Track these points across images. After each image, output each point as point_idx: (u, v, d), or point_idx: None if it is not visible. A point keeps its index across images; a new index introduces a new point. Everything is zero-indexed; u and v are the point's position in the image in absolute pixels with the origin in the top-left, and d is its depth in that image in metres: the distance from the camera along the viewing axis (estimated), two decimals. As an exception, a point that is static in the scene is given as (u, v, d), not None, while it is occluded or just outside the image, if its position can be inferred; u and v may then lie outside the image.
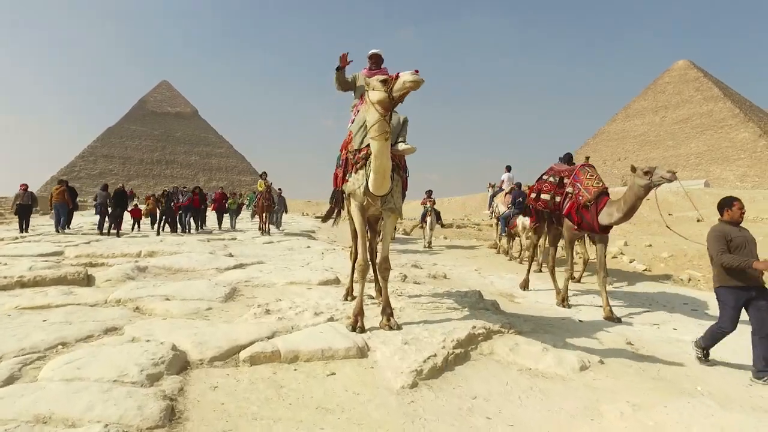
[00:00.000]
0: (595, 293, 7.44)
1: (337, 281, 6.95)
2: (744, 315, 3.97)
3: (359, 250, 4.62)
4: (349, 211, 5.14)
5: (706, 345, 4.15)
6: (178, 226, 16.13)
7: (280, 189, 18.09)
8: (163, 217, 15.65)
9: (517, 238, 12.23)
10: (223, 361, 3.50)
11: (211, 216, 21.21)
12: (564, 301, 6.46)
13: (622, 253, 11.82)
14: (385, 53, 5.61)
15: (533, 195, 7.12)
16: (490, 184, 15.22)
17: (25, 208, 14.11)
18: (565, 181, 6.47)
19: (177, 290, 5.66)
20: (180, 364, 3.34)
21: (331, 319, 4.52)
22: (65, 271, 6.34)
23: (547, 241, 11.16)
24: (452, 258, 12.26)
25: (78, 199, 17.72)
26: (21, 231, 13.72)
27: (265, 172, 17.12)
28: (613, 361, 4.03)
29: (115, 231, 14.11)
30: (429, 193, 14.83)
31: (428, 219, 13.92)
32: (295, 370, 3.43)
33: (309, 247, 12.04)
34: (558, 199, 6.52)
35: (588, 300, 6.99)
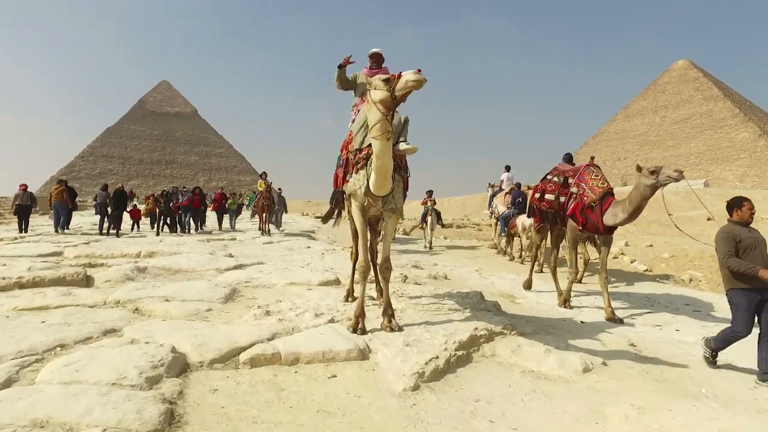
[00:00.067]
0: (596, 294, 7.42)
1: (337, 282, 6.92)
2: None
3: (360, 251, 4.59)
4: (349, 212, 5.10)
5: (716, 347, 4.05)
6: (177, 226, 16.10)
7: (279, 189, 18.06)
8: (162, 217, 15.62)
9: (516, 238, 12.21)
10: (223, 364, 3.47)
11: (210, 216, 21.18)
12: (566, 302, 6.41)
13: (622, 254, 11.80)
14: (385, 53, 5.59)
15: (537, 195, 7.03)
16: (489, 184, 15.21)
17: (24, 208, 14.09)
18: (570, 181, 6.37)
19: (176, 291, 5.63)
20: (179, 366, 3.31)
21: (331, 321, 4.49)
22: (64, 272, 6.31)
23: (548, 241, 11.19)
24: (453, 258, 12.23)
25: (78, 199, 17.69)
26: (20, 231, 13.69)
27: (265, 172, 17.10)
28: (616, 362, 4.00)
29: (114, 231, 14.07)
30: (430, 193, 14.79)
31: (428, 219, 13.88)
32: (296, 372, 3.40)
33: (309, 247, 12.01)
34: (562, 199, 6.43)
35: (589, 301, 6.96)
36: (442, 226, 14.85)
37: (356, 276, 5.19)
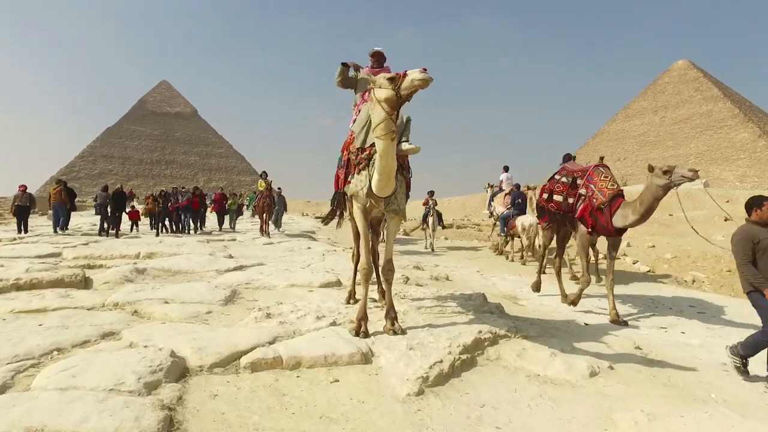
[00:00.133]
0: (599, 296, 7.36)
1: (338, 283, 6.85)
2: (753, 319, 3.86)
3: (362, 253, 4.52)
4: (351, 213, 5.03)
5: (746, 353, 3.80)
6: (175, 226, 16.04)
7: (279, 188, 17.94)
8: (161, 218, 15.56)
9: (516, 238, 12.15)
10: (224, 368, 3.40)
11: (211, 217, 21.11)
12: (573, 304, 6.21)
13: (625, 254, 11.73)
14: (385, 53, 5.52)
15: (545, 195, 6.87)
16: (488, 184, 15.13)
17: (23, 209, 14.03)
18: (579, 182, 6.22)
19: (176, 293, 5.56)
20: (179, 371, 3.24)
21: (333, 324, 4.42)
22: (62, 274, 6.24)
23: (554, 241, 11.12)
24: (454, 259, 12.17)
25: (77, 199, 17.63)
26: (19, 232, 13.63)
27: (265, 172, 16.98)
28: (623, 366, 3.93)
29: (113, 232, 14.01)
30: (431, 193, 14.73)
31: (429, 220, 13.81)
32: (298, 377, 3.33)
33: (309, 248, 11.94)
34: (571, 200, 6.29)
35: (593, 303, 6.90)
36: (443, 227, 14.78)
37: (358, 278, 5.12)
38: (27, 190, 14.47)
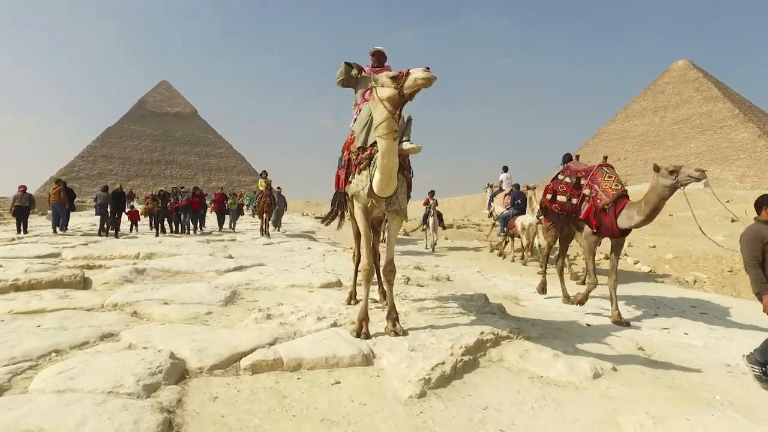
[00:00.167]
0: (600, 296, 7.32)
1: (339, 284, 6.82)
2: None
3: (363, 254, 4.48)
4: (352, 214, 5.00)
5: (764, 360, 3.65)
6: (175, 226, 16.00)
7: (279, 188, 17.87)
8: (160, 217, 15.53)
9: (517, 238, 12.13)
10: (224, 370, 3.36)
11: (211, 217, 21.07)
12: (580, 303, 6.04)
13: (626, 255, 11.70)
14: (386, 52, 5.49)
15: (548, 196, 6.77)
16: (488, 184, 15.10)
17: (22, 209, 14.02)
18: (582, 182, 6.15)
19: (176, 293, 5.53)
20: (178, 372, 3.20)
21: (334, 325, 4.39)
22: (61, 274, 6.20)
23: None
24: (454, 259, 12.14)
25: (77, 200, 17.60)
26: (18, 232, 13.61)
27: (265, 171, 16.90)
28: (626, 367, 3.89)
29: (113, 232, 13.98)
30: (432, 193, 14.70)
31: (430, 221, 13.77)
32: (299, 378, 3.30)
33: (310, 248, 11.91)
34: (574, 201, 6.21)
35: (595, 303, 6.86)
36: (443, 227, 14.74)
37: (359, 278, 5.09)
38: (27, 191, 14.44)
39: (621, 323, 5.58)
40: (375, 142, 4.39)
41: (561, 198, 6.44)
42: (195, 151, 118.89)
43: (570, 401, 3.23)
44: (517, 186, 12.80)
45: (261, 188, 16.19)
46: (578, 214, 6.17)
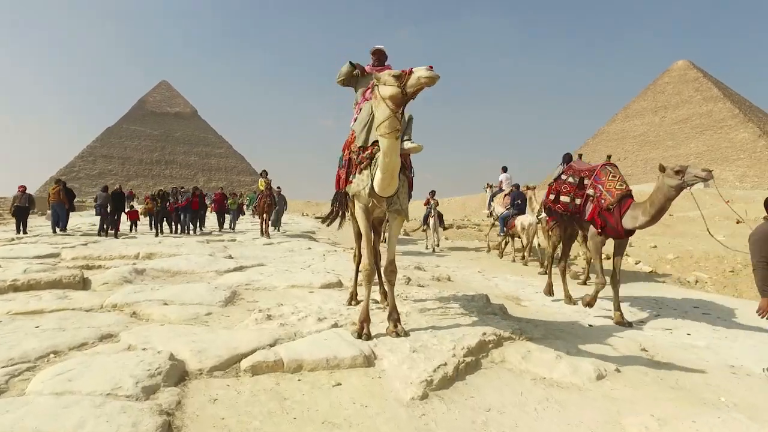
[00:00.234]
0: (602, 297, 7.29)
1: (339, 284, 6.79)
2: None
3: (364, 254, 4.45)
4: (352, 214, 4.97)
5: None
6: (177, 226, 15.97)
7: (279, 188, 17.81)
8: (160, 217, 15.50)
9: (517, 238, 12.11)
10: (224, 371, 3.33)
11: (210, 217, 21.04)
12: (588, 305, 5.90)
13: (627, 255, 11.67)
14: (387, 51, 5.46)
15: (551, 196, 6.65)
16: (488, 184, 15.08)
17: (22, 209, 14.00)
18: (586, 182, 6.07)
19: (175, 294, 5.49)
20: (178, 374, 3.17)
21: (335, 325, 4.36)
22: (60, 274, 6.16)
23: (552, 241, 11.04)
24: (455, 260, 12.11)
25: (77, 200, 17.56)
26: (18, 232, 13.58)
27: (265, 170, 16.81)
28: (630, 369, 3.86)
29: (113, 232, 13.95)
30: (432, 193, 14.68)
31: (431, 221, 13.75)
32: (299, 380, 3.26)
33: (310, 248, 11.88)
34: (578, 201, 6.13)
35: (597, 304, 6.82)
36: (444, 228, 14.71)
37: (360, 279, 5.05)
38: (26, 191, 14.41)
39: (623, 324, 5.55)
40: (376, 141, 4.36)
41: (564, 198, 6.34)
42: (195, 151, 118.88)
43: (573, 403, 3.20)
44: (517, 186, 12.78)
45: (261, 188, 16.14)
46: (582, 215, 6.08)
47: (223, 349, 3.54)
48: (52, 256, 8.53)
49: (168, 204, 15.64)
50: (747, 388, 3.64)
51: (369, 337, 4.00)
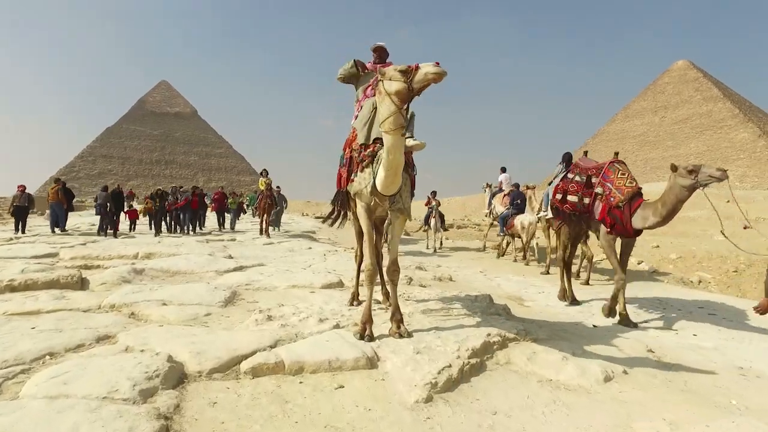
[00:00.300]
0: (604, 297, 7.22)
1: (340, 284, 6.71)
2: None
3: (367, 254, 4.37)
4: (354, 213, 4.89)
5: None
6: (177, 226, 15.89)
7: (278, 187, 17.72)
8: (158, 217, 15.43)
9: (517, 238, 12.04)
10: (223, 373, 3.25)
11: (210, 216, 20.96)
12: (624, 317, 5.55)
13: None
14: (388, 48, 5.39)
15: (558, 196, 6.48)
16: (487, 184, 15.02)
17: (21, 209, 13.93)
18: (594, 180, 5.94)
19: (174, 294, 5.42)
20: (176, 376, 3.09)
21: (337, 326, 4.28)
22: (58, 274, 6.08)
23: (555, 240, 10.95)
24: (456, 260, 12.04)
25: (76, 200, 17.49)
26: (16, 232, 13.50)
27: (265, 170, 16.71)
28: (638, 370, 3.78)
29: (112, 231, 13.87)
30: (434, 193, 14.61)
31: (432, 222, 13.67)
32: (301, 382, 3.19)
33: (310, 248, 11.80)
34: (587, 200, 5.98)
35: (600, 304, 6.75)
36: (445, 229, 14.64)
37: (361, 279, 4.98)
38: (26, 190, 14.34)
39: (629, 324, 5.47)
40: (378, 139, 4.28)
41: (572, 198, 6.18)
42: (195, 151, 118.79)
43: (582, 406, 3.12)
44: (517, 186, 12.73)
45: (261, 188, 16.05)
46: (592, 215, 5.93)
47: (223, 351, 3.46)
48: (50, 256, 8.45)
49: (166, 203, 15.56)
50: (757, 390, 3.56)
51: (371, 339, 3.92)
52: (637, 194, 5.57)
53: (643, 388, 3.45)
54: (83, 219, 21.34)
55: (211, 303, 5.14)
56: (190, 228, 16.22)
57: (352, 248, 6.40)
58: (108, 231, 13.85)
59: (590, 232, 6.93)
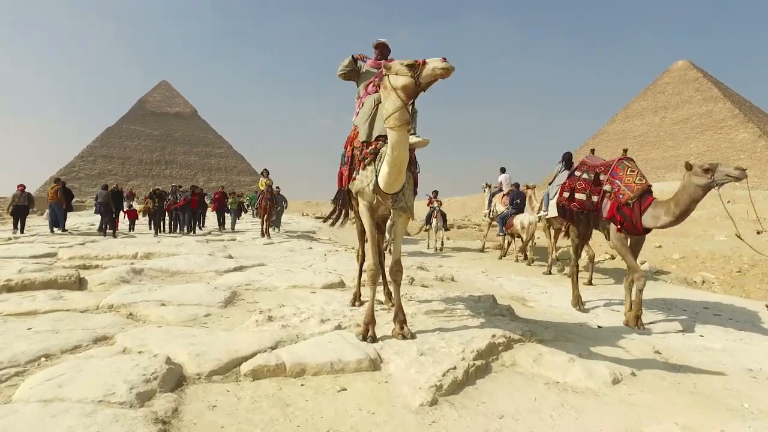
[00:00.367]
0: (607, 297, 7.15)
1: (342, 284, 6.63)
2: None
3: (369, 254, 4.29)
4: (356, 212, 4.81)
5: None
6: (173, 226, 15.82)
7: (278, 187, 17.62)
8: (157, 217, 15.37)
9: (517, 238, 11.98)
10: (223, 376, 3.18)
11: (210, 216, 20.88)
12: (638, 320, 5.38)
13: (632, 255, 11.51)
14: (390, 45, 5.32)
15: (566, 194, 6.30)
16: (486, 184, 14.96)
17: (21, 209, 13.87)
18: (602, 177, 5.80)
19: (174, 294, 5.34)
20: (175, 379, 3.01)
21: (338, 327, 4.20)
22: (56, 274, 6.00)
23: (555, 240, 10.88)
24: (458, 260, 11.96)
25: (76, 200, 17.42)
26: (15, 231, 13.43)
27: (266, 170, 16.61)
28: (646, 372, 3.71)
29: (111, 231, 13.80)
30: (435, 193, 14.53)
31: (434, 222, 13.59)
32: (302, 385, 3.11)
33: (311, 248, 11.73)
34: (595, 198, 5.81)
35: (604, 304, 6.68)
36: (446, 229, 14.57)
37: (363, 279, 4.90)
38: (26, 190, 14.27)
39: (635, 325, 5.38)
40: (380, 136, 4.21)
41: (580, 196, 6.00)
42: (195, 151, 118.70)
43: (590, 409, 3.05)
44: (517, 185, 12.68)
45: (262, 188, 15.97)
46: (600, 213, 5.79)
47: (223, 352, 3.39)
48: (48, 256, 8.38)
49: (166, 203, 15.49)
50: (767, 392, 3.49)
51: (374, 340, 3.84)
52: (647, 191, 5.43)
53: (652, 391, 3.38)
54: (82, 219, 21.26)
55: (210, 303, 5.07)
56: (189, 228, 16.14)
57: (353, 248, 6.33)
58: (107, 231, 13.78)
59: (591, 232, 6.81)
